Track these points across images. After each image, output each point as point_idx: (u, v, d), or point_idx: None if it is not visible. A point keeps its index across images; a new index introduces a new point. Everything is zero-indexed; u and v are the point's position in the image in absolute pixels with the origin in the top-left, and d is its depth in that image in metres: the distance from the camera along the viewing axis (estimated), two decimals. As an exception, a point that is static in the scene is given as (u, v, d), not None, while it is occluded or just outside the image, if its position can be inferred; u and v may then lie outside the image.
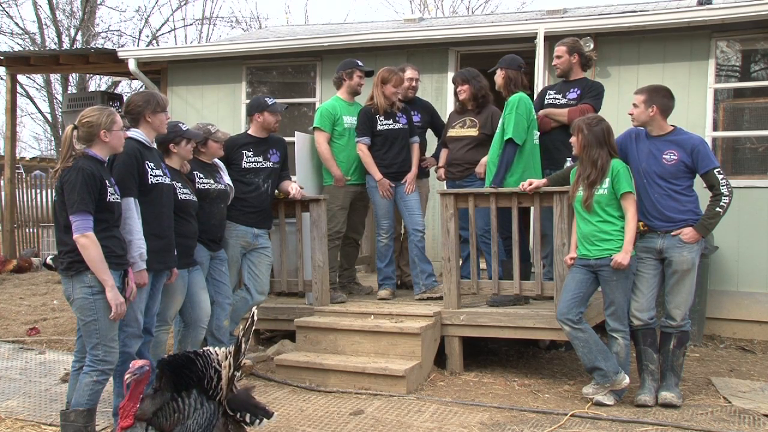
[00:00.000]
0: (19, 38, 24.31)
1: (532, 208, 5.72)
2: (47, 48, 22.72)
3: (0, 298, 8.68)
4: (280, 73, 9.63)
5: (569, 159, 5.51)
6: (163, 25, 27.26)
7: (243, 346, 3.76)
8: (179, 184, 4.64)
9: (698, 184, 4.90)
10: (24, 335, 6.86)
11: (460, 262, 6.03)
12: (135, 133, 4.31)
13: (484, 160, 5.91)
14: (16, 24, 27.87)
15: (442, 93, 8.28)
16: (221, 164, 5.35)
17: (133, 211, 4.10)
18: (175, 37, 26.71)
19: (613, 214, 4.79)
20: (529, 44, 7.76)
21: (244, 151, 5.57)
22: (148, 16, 38.54)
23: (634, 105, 4.90)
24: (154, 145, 4.50)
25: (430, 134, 6.80)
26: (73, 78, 23.07)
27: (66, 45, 23.12)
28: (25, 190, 13.22)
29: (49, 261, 10.95)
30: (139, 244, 4.08)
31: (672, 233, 4.81)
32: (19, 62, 10.94)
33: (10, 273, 10.71)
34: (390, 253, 6.29)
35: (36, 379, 5.46)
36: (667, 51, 7.52)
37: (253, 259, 5.58)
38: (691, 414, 4.69)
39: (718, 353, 6.63)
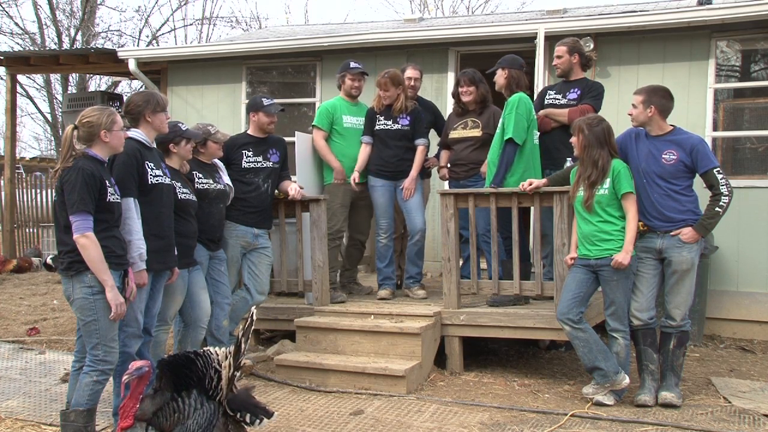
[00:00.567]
0: (19, 38, 24.36)
1: (532, 208, 5.73)
2: (47, 48, 22.72)
3: (0, 298, 8.68)
4: (280, 73, 9.63)
5: (569, 159, 5.51)
6: (163, 25, 27.32)
7: (243, 345, 3.76)
8: (179, 184, 4.65)
9: (698, 184, 4.90)
10: (24, 335, 6.86)
11: (461, 262, 6.04)
12: (135, 133, 4.31)
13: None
14: (16, 24, 27.92)
15: (442, 93, 8.28)
16: (221, 164, 5.35)
17: (132, 212, 4.10)
18: (175, 37, 26.75)
19: (613, 214, 4.79)
20: (529, 44, 7.76)
21: (243, 151, 5.57)
22: (148, 16, 38.61)
23: (633, 105, 4.90)
24: (154, 145, 4.50)
25: (432, 134, 6.79)
26: (73, 78, 23.08)
27: (66, 45, 23.13)
28: (25, 190, 13.22)
29: (49, 261, 10.95)
30: (138, 245, 4.08)
31: (671, 233, 4.81)
32: (19, 62, 10.94)
33: (10, 273, 10.70)
34: (390, 254, 6.29)
35: (36, 379, 5.45)
36: (667, 51, 7.52)
37: (253, 259, 5.58)
38: (691, 414, 4.69)
39: (718, 353, 6.63)
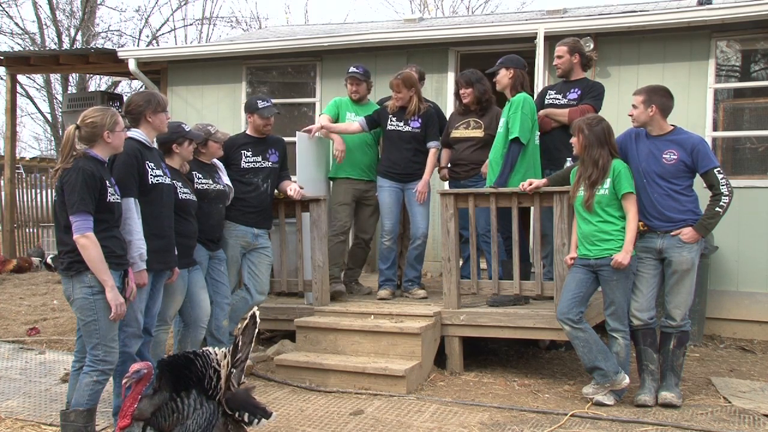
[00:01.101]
0: (19, 38, 24.36)
1: (532, 208, 5.73)
2: (47, 48, 22.72)
3: (0, 298, 8.68)
4: (280, 73, 9.63)
5: (569, 159, 5.51)
6: (163, 25, 27.31)
7: (240, 343, 3.77)
8: (179, 184, 4.65)
9: (698, 183, 4.90)
10: (24, 335, 6.86)
11: (461, 262, 6.04)
12: (135, 133, 4.31)
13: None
14: (16, 24, 27.89)
15: (442, 93, 8.28)
16: (220, 165, 5.35)
17: (133, 212, 4.10)
18: (175, 37, 26.75)
19: (613, 214, 4.79)
20: (529, 44, 7.76)
21: (243, 151, 5.58)
22: (148, 16, 38.55)
23: (634, 106, 4.90)
24: (155, 145, 4.50)
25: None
26: (73, 78, 23.08)
27: (66, 45, 23.13)
28: (25, 190, 13.22)
29: (49, 261, 10.95)
30: (139, 245, 4.08)
31: (672, 233, 4.81)
32: (19, 62, 10.94)
33: (10, 273, 10.70)
34: (393, 256, 6.30)
35: (36, 379, 5.45)
36: (667, 51, 7.52)
37: (253, 259, 5.58)
38: (691, 414, 4.69)
39: (718, 353, 6.63)
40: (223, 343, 5.08)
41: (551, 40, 7.35)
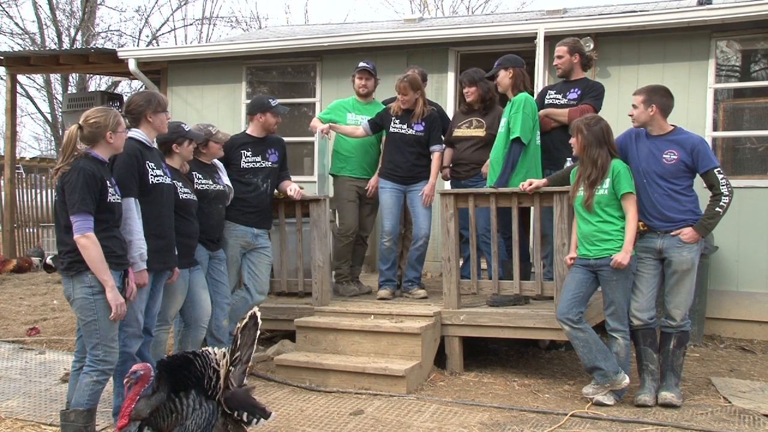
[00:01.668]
0: (19, 38, 24.37)
1: (532, 208, 5.73)
2: (47, 48, 22.73)
3: (0, 298, 8.68)
4: (280, 73, 9.63)
5: (569, 159, 5.51)
6: (163, 25, 27.32)
7: (239, 341, 3.77)
8: (180, 184, 4.65)
9: (698, 184, 4.90)
10: (24, 335, 6.86)
11: (461, 262, 6.04)
12: (135, 133, 4.31)
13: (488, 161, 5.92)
14: (16, 24, 27.89)
15: (442, 93, 8.28)
16: (220, 165, 5.35)
17: (133, 212, 4.10)
18: (175, 37, 26.75)
19: (613, 214, 4.79)
20: (529, 44, 7.76)
21: (242, 151, 5.58)
22: (148, 16, 38.51)
23: (634, 106, 4.90)
24: (155, 145, 4.50)
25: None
26: (73, 78, 23.08)
27: (66, 45, 23.13)
28: (25, 190, 13.22)
29: (49, 261, 10.95)
30: (139, 245, 4.08)
31: (672, 233, 4.81)
32: (19, 62, 10.94)
33: (10, 273, 10.70)
34: (393, 257, 6.31)
35: (36, 379, 5.45)
36: (667, 51, 7.52)
37: (253, 259, 5.58)
38: (691, 414, 4.69)
39: (718, 353, 6.63)
40: (223, 343, 5.08)
41: (551, 40, 7.35)
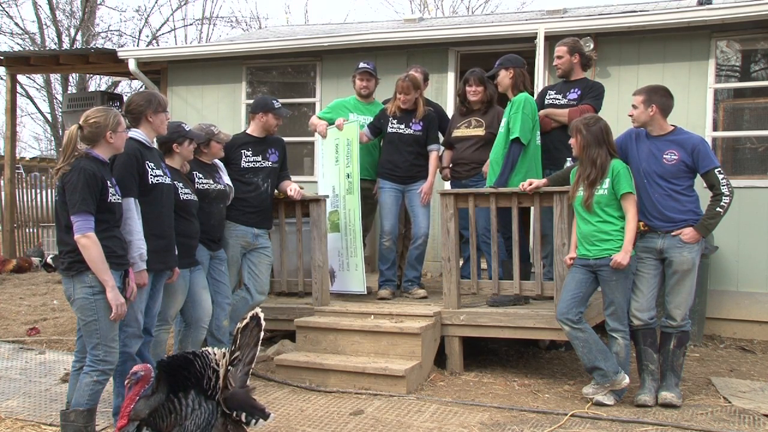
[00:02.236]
0: (19, 38, 24.37)
1: (532, 208, 5.73)
2: (47, 48, 22.73)
3: (0, 298, 8.68)
4: (280, 73, 9.63)
5: (569, 159, 5.51)
6: (163, 25, 27.33)
7: (238, 341, 3.78)
8: (180, 184, 4.65)
9: (699, 184, 4.90)
10: (24, 335, 6.86)
11: (461, 262, 6.04)
12: (135, 133, 4.31)
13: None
14: (16, 24, 27.89)
15: (442, 93, 8.28)
16: (221, 164, 5.35)
17: (133, 212, 4.10)
18: (175, 37, 26.76)
19: (612, 214, 4.79)
20: (529, 44, 7.76)
21: (242, 151, 5.58)
22: (148, 16, 38.60)
23: (634, 106, 4.90)
24: (155, 145, 4.50)
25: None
26: (73, 78, 23.08)
27: (66, 45, 23.14)
28: (25, 190, 13.22)
29: (49, 261, 10.95)
30: (139, 245, 4.08)
31: (672, 233, 4.81)
32: (19, 62, 10.94)
33: (10, 273, 10.70)
34: (392, 257, 6.32)
35: (36, 379, 5.45)
36: (667, 51, 7.52)
37: (253, 259, 5.58)
38: (691, 414, 4.69)
39: (718, 353, 6.63)
40: (224, 343, 5.08)
41: (551, 40, 7.35)
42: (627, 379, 4.88)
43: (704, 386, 5.42)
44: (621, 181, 4.74)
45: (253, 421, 3.69)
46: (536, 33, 7.68)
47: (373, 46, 8.44)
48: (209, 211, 5.02)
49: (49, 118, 24.36)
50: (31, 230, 13.13)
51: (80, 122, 3.93)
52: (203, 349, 3.86)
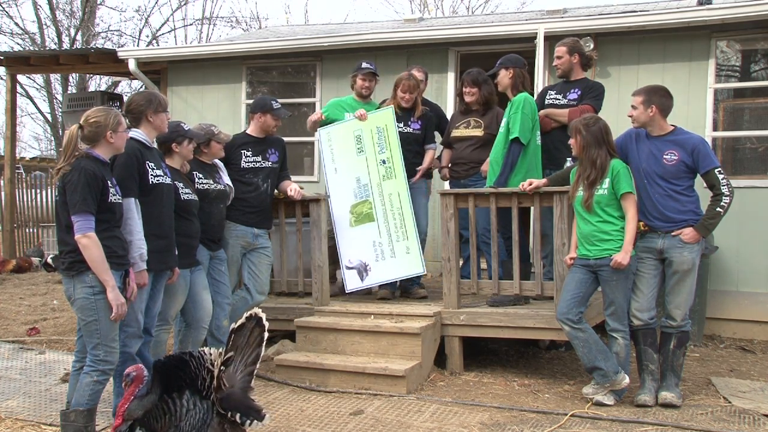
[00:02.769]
0: (19, 38, 24.37)
1: (532, 208, 5.73)
2: (47, 48, 22.73)
3: (0, 298, 8.68)
4: (280, 73, 9.63)
5: (569, 159, 5.51)
6: (163, 25, 27.32)
7: (232, 341, 3.79)
8: (181, 184, 4.65)
9: (699, 184, 4.90)
10: (24, 335, 6.86)
11: (461, 262, 6.04)
12: (136, 133, 4.31)
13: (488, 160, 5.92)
14: (16, 24, 27.86)
15: (442, 93, 8.28)
16: (221, 164, 5.35)
17: (133, 212, 4.10)
18: (175, 37, 26.75)
19: (612, 214, 4.79)
20: (529, 44, 7.76)
21: (242, 151, 5.58)
22: (148, 16, 38.45)
23: (633, 107, 4.89)
24: (155, 145, 4.50)
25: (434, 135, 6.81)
26: (73, 78, 23.08)
27: (66, 45, 23.14)
28: (25, 190, 13.22)
29: (49, 260, 10.95)
30: (139, 245, 4.08)
31: (672, 233, 4.80)
32: (19, 62, 10.94)
33: (10, 273, 10.70)
34: None
35: (36, 379, 5.45)
36: (667, 51, 7.52)
37: (253, 259, 5.58)
38: (691, 414, 4.69)
39: (718, 353, 6.63)
40: (224, 343, 5.04)
41: (551, 40, 7.35)
42: (627, 379, 4.88)
43: (704, 386, 5.42)
44: (621, 181, 4.74)
45: (248, 421, 3.66)
46: (536, 33, 7.68)
47: (373, 46, 8.44)
48: (209, 211, 5.02)
49: (49, 118, 24.37)
50: (31, 230, 13.13)
51: (81, 122, 3.93)
52: (200, 349, 3.86)
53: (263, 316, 3.89)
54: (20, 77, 17.78)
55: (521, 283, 5.54)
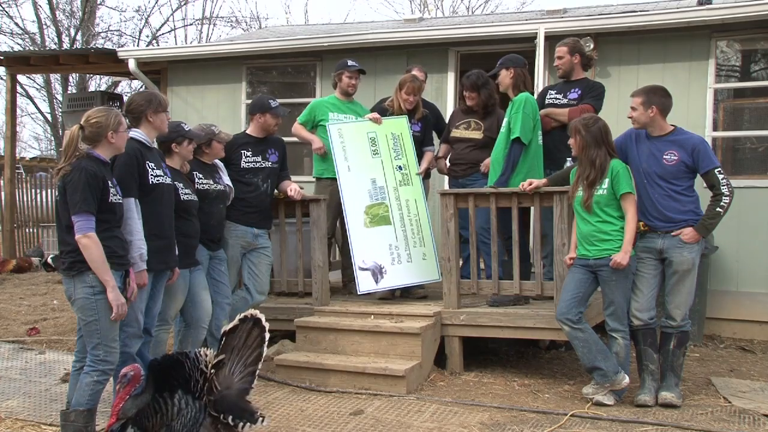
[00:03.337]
0: (19, 38, 24.37)
1: (532, 208, 5.73)
2: (47, 48, 22.72)
3: (0, 298, 8.68)
4: (280, 73, 9.63)
5: (569, 159, 5.51)
6: (163, 25, 27.32)
7: (224, 343, 3.79)
8: (181, 185, 4.65)
9: (699, 184, 4.90)
10: (24, 335, 6.86)
11: (461, 262, 6.04)
12: (136, 133, 4.31)
13: (488, 160, 5.92)
14: (16, 24, 27.85)
15: (442, 93, 8.28)
16: (221, 165, 5.35)
17: (133, 212, 4.10)
18: (175, 37, 26.76)
19: (612, 214, 4.79)
20: (529, 44, 7.76)
21: (242, 151, 5.57)
22: (148, 16, 38.53)
23: (633, 108, 4.89)
24: (155, 145, 4.50)
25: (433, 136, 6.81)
26: (73, 78, 23.09)
27: (66, 45, 23.14)
28: (25, 190, 13.22)
29: (49, 260, 10.94)
30: (139, 245, 4.08)
31: (672, 233, 4.81)
32: (19, 62, 10.93)
33: (10, 273, 10.70)
34: None
35: (36, 379, 5.45)
36: (667, 51, 7.52)
37: (253, 259, 5.58)
38: (691, 414, 4.69)
39: (718, 353, 6.63)
40: (224, 343, 5.07)
41: (551, 40, 7.35)
42: (627, 379, 4.88)
43: (704, 386, 5.43)
44: (620, 181, 4.74)
45: (241, 424, 3.65)
46: (536, 33, 7.68)
47: (373, 46, 8.44)
48: (209, 211, 5.02)
49: (49, 118, 24.37)
50: (31, 230, 13.13)
51: (81, 122, 3.93)
52: (198, 350, 3.86)
53: (262, 317, 3.88)
54: (20, 77, 17.78)
55: (521, 283, 5.54)
